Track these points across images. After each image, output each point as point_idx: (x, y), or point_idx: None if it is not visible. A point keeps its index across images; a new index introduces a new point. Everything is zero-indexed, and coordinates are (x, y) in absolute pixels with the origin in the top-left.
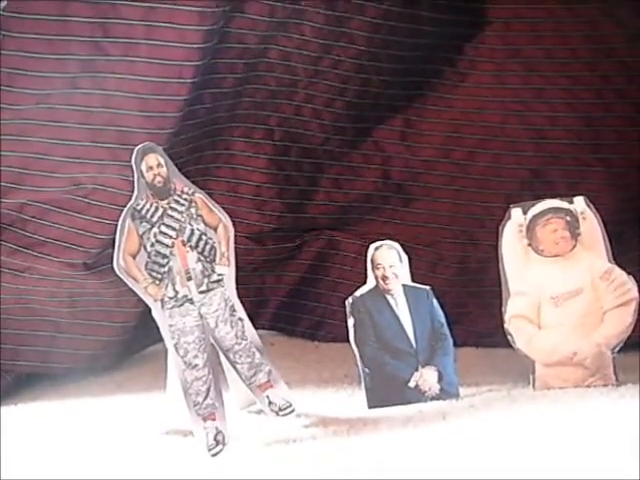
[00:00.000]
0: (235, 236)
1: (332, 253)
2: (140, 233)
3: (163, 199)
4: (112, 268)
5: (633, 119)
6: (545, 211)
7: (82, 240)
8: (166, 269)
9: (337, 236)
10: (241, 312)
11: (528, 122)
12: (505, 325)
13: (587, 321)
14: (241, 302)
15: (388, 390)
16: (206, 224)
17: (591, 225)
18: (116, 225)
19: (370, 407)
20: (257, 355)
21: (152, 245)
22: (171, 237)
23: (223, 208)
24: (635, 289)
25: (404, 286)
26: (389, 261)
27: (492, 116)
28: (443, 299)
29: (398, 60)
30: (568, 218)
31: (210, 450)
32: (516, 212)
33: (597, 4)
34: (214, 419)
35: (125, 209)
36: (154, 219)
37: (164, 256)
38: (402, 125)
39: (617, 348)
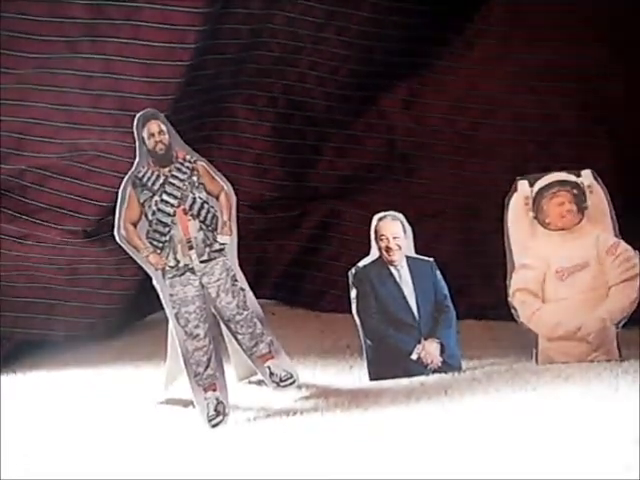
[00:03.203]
0: (236, 204)
1: (334, 223)
2: (141, 201)
3: (165, 167)
4: (112, 236)
5: None
6: (552, 184)
7: (82, 207)
8: (167, 238)
9: (340, 206)
10: (242, 282)
11: (534, 93)
12: (509, 298)
13: (592, 296)
14: (242, 271)
15: (390, 362)
16: (208, 192)
17: (598, 199)
18: (117, 192)
19: (372, 379)
20: (258, 325)
21: (153, 213)
22: (172, 205)
23: (225, 176)
24: None
25: (407, 257)
26: (393, 232)
27: (497, 86)
28: (447, 271)
29: (403, 27)
30: (575, 191)
31: (211, 421)
32: (523, 184)
33: None
34: (215, 390)
35: (126, 177)
36: (155, 187)
37: (165, 225)
38: (407, 94)
39: (621, 323)
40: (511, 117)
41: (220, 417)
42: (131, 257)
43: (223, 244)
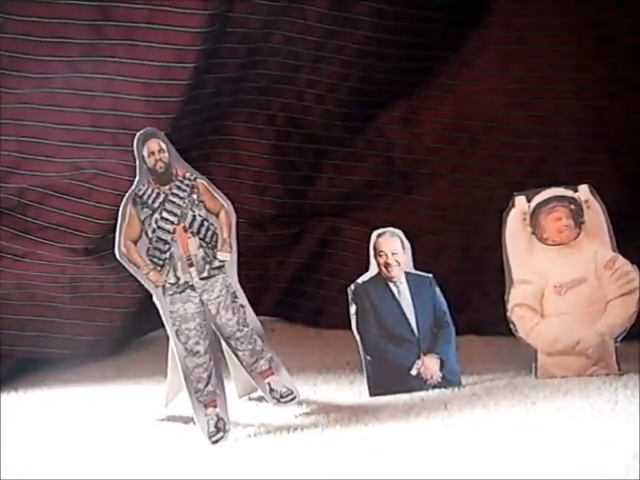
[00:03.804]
0: (236, 222)
1: (334, 240)
2: (141, 219)
3: (165, 185)
4: (113, 254)
5: (638, 107)
6: (549, 199)
7: (83, 225)
8: (167, 255)
9: (339, 222)
10: (243, 299)
11: (533, 109)
12: (508, 313)
13: (590, 310)
14: (242, 288)
15: (390, 378)
16: (208, 210)
17: (595, 214)
18: (117, 211)
19: (372, 395)
20: (258, 342)
21: (153, 231)
22: (172, 223)
23: (224, 194)
24: (638, 279)
25: (407, 273)
26: (392, 248)
27: (496, 103)
28: (446, 287)
29: (402, 46)
30: (572, 206)
31: (211, 437)
32: (520, 200)
33: None
34: (215, 406)
35: (126, 195)
36: (155, 205)
37: (165, 242)
38: (405, 111)
39: (620, 337)
40: (510, 133)
41: (221, 433)
42: (131, 274)
43: (223, 261)
